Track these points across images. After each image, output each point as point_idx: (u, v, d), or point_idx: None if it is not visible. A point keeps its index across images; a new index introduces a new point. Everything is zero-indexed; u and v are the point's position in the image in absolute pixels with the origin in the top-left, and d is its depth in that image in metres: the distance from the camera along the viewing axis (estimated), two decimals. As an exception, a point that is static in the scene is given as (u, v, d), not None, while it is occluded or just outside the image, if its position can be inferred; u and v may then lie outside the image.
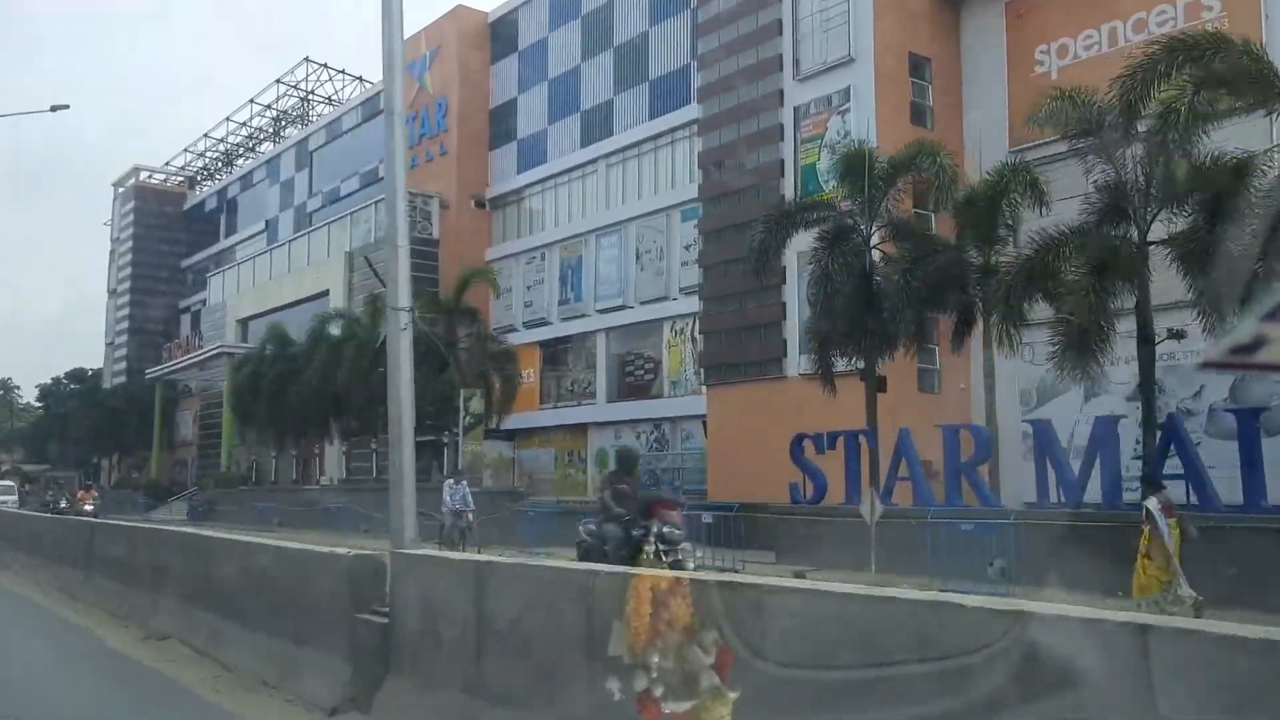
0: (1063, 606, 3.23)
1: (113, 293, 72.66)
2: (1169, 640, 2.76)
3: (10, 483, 49.11)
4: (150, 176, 72.89)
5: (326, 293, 45.15)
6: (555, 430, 38.07)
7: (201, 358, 45.80)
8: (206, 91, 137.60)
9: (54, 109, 26.76)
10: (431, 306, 29.54)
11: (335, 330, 33.55)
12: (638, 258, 34.81)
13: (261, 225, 60.43)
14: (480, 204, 42.53)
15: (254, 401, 36.26)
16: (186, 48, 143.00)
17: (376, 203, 44.21)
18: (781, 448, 20.95)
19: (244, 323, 52.39)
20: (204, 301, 66.83)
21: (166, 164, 73.59)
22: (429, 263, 41.63)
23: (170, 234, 70.90)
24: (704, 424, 31.77)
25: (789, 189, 25.50)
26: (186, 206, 71.71)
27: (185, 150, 72.77)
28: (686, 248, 32.73)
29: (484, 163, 42.89)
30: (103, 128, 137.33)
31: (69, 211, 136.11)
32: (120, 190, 73.82)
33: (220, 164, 70.97)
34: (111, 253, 75.41)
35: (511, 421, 35.56)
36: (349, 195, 51.62)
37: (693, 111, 33.53)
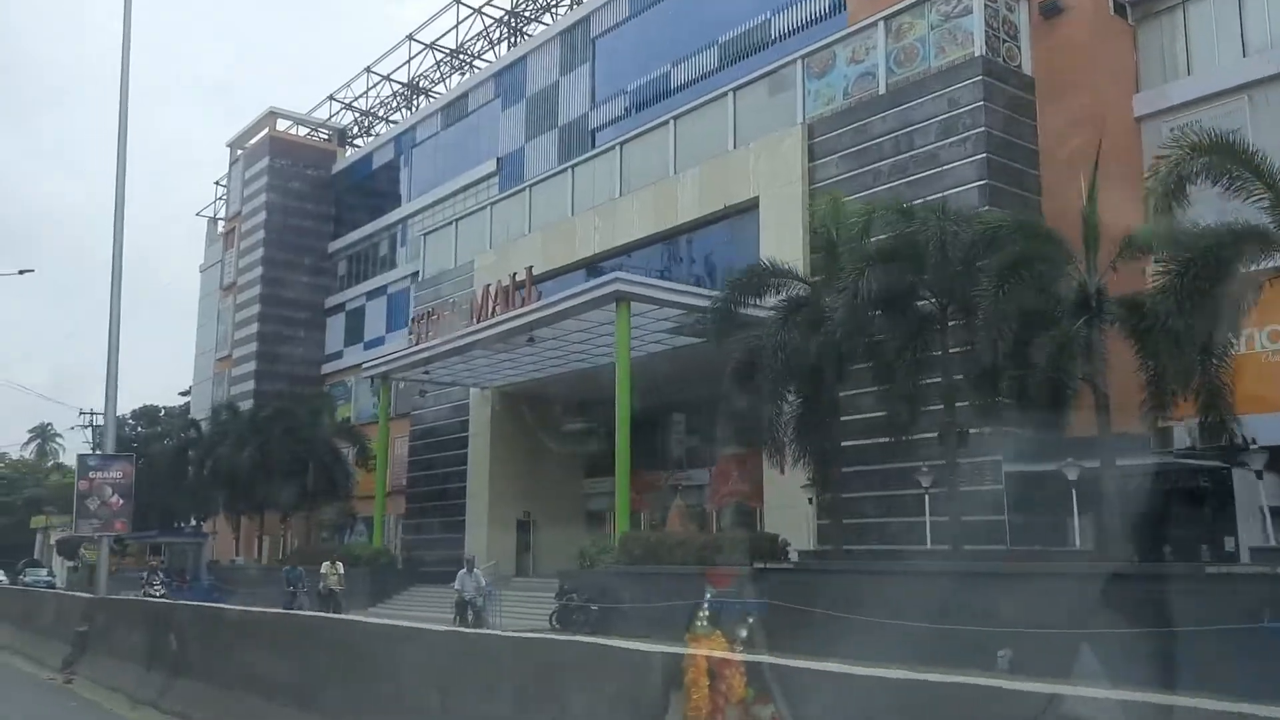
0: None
1: (228, 289, 51.60)
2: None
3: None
4: (292, 128, 52.32)
5: (754, 202, 23.94)
6: None
7: (586, 297, 22.93)
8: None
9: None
10: None
11: None
12: None
13: (489, 167, 39.60)
14: (1121, 6, 21.43)
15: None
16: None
17: (864, 27, 23.28)
18: None
19: (508, 293, 31.08)
20: (370, 294, 45.99)
21: (310, 113, 53.20)
22: (1022, 120, 20.54)
23: (318, 206, 50.27)
24: None
25: None
26: (337, 169, 51.10)
27: (330, 99, 52.46)
28: None
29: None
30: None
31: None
32: (242, 151, 53.21)
33: (391, 107, 50.48)
34: (224, 234, 54.60)
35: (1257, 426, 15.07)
36: (692, 83, 30.85)
37: None
